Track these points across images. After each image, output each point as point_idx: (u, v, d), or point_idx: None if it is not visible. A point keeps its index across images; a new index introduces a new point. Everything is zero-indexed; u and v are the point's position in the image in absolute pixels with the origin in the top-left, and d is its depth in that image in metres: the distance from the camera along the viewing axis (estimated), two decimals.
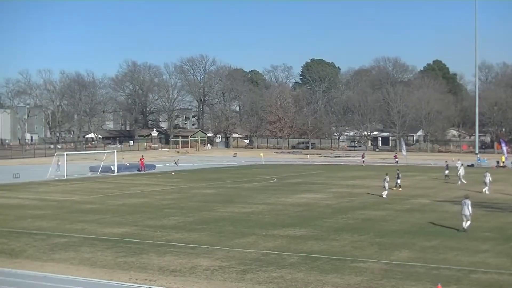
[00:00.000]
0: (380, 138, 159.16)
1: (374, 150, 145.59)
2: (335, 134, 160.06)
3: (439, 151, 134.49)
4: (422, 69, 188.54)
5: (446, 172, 67.21)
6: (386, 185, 50.79)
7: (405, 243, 29.89)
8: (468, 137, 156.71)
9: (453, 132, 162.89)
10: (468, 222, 33.42)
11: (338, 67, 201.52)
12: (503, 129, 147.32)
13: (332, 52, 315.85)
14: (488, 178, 53.36)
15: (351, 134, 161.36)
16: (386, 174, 52.09)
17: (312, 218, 38.66)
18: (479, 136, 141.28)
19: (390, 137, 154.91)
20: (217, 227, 35.19)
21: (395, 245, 29.54)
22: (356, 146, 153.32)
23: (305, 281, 22.91)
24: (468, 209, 33.44)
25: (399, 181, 55.60)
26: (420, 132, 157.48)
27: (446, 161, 71.67)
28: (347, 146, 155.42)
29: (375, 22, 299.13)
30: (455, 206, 43.88)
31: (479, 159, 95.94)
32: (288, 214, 40.75)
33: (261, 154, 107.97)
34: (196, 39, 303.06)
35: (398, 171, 57.28)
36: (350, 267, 25.04)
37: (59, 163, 79.55)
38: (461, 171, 62.48)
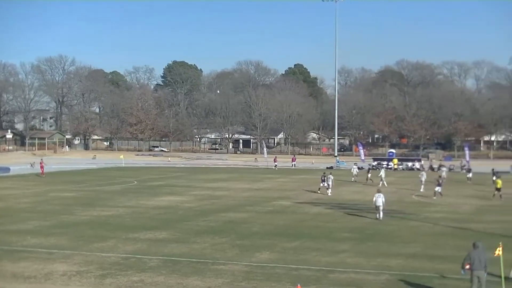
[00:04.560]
0: (241, 141, 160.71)
1: (235, 152, 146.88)
2: (197, 136, 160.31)
3: (300, 154, 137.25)
4: (283, 72, 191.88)
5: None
6: (330, 183, 54.27)
7: (266, 245, 30.07)
8: (327, 140, 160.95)
9: (313, 135, 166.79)
10: (381, 213, 38.80)
11: (201, 70, 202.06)
12: (361, 132, 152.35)
13: (195, 54, 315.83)
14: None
15: (213, 136, 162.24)
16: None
17: (173, 221, 38.33)
18: (338, 139, 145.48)
19: (252, 140, 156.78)
20: (76, 231, 34.16)
21: (256, 246, 29.67)
22: (217, 149, 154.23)
23: (165, 284, 22.57)
24: (381, 201, 38.80)
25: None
26: (281, 135, 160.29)
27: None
28: (209, 149, 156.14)
29: (238, 25, 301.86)
30: (315, 208, 44.88)
31: (338, 161, 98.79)
32: (149, 217, 40.22)
33: (121, 156, 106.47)
34: (55, 38, 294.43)
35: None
36: (211, 269, 24.90)
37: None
38: (382, 173, 65.00)
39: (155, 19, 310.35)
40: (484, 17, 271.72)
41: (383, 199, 39.18)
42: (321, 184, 55.27)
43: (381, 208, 38.92)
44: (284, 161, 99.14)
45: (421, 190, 57.30)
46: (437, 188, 51.74)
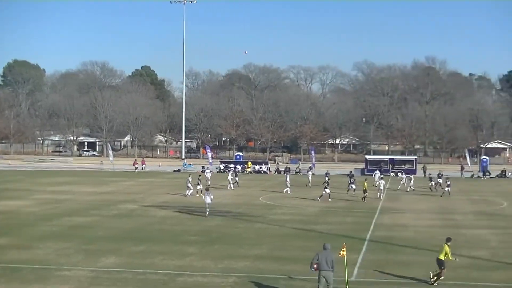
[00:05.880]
0: (86, 143, 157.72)
1: (80, 155, 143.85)
2: (40, 138, 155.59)
3: (147, 157, 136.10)
4: (130, 74, 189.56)
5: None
6: (190, 185, 55.08)
7: (112, 249, 29.47)
8: (175, 142, 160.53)
9: (161, 137, 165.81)
10: (208, 210, 41.26)
11: (44, 69, 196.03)
12: (209, 135, 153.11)
13: (37, 53, 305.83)
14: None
15: (57, 138, 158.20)
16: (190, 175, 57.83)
17: (13, 226, 36.79)
18: (186, 141, 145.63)
19: (97, 142, 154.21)
20: None
21: (102, 251, 29.01)
22: (62, 151, 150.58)
23: None
24: (210, 199, 41.48)
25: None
26: (127, 137, 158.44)
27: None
28: (52, 151, 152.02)
29: (82, 24, 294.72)
30: (162, 211, 44.58)
31: (185, 164, 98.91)
32: None
33: None
34: None
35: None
36: (55, 276, 24.10)
37: None
38: (230, 176, 65.83)
39: None
40: (327, 22, 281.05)
41: (211, 197, 41.94)
42: (198, 187, 55.48)
43: (209, 205, 41.48)
44: (130, 164, 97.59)
45: (289, 192, 58.88)
46: (327, 190, 53.28)
